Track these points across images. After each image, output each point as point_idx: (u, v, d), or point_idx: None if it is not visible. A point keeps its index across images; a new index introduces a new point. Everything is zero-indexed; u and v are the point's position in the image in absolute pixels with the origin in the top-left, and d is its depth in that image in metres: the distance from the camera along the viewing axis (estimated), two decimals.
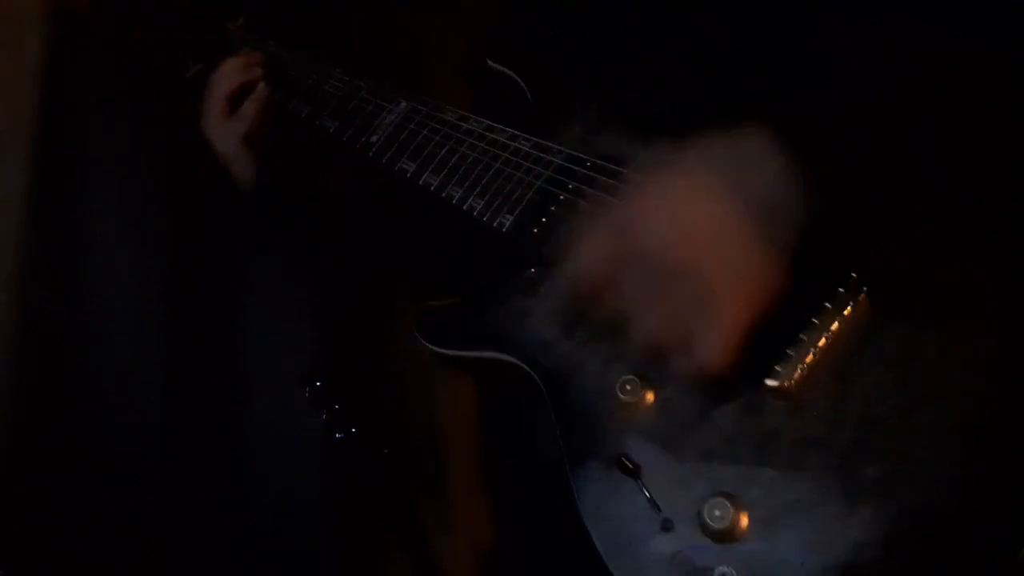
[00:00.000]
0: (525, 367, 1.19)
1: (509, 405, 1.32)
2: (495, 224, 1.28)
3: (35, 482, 1.95)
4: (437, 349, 1.28)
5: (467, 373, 1.33)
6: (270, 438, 2.03)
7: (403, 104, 1.44)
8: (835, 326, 1.05)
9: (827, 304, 1.05)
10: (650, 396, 1.11)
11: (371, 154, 1.42)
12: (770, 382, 1.05)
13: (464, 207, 1.31)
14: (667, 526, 1.05)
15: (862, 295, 1.05)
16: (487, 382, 1.38)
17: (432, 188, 1.35)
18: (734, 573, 1.00)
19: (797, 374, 1.04)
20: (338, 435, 1.51)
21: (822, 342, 1.05)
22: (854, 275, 1.05)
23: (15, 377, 1.95)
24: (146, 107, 1.94)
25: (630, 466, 1.08)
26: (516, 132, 1.32)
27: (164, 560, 1.97)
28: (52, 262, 2.01)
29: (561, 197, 1.25)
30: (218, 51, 1.67)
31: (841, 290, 1.06)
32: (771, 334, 1.06)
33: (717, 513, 1.01)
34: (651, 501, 1.06)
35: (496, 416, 1.46)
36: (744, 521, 1.01)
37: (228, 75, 1.51)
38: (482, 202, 1.30)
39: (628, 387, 1.11)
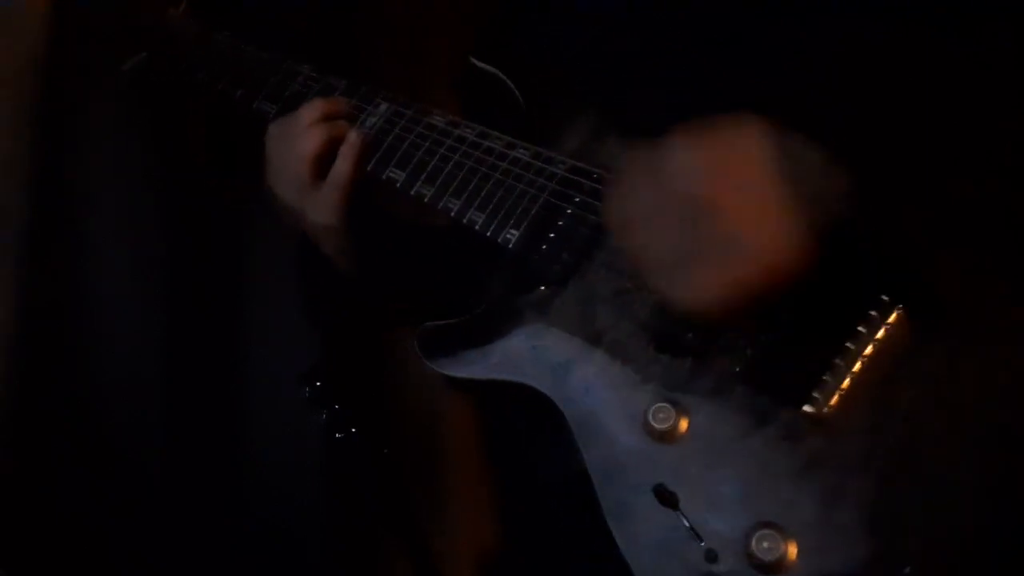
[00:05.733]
0: (546, 394, 1.16)
1: (510, 410, 1.29)
2: (500, 240, 1.23)
3: (35, 482, 1.94)
4: (444, 372, 1.23)
5: (471, 394, 1.29)
6: (270, 439, 2.04)
7: (383, 106, 1.35)
8: (870, 349, 1.05)
9: (860, 328, 1.05)
10: (684, 423, 1.09)
11: None
12: (807, 408, 1.04)
13: (464, 220, 1.25)
14: (711, 557, 1.04)
15: (896, 316, 1.05)
16: (492, 403, 1.33)
17: (426, 199, 1.28)
18: None
19: (834, 400, 1.04)
20: (338, 435, 1.47)
21: (858, 366, 1.05)
22: (886, 297, 1.05)
23: (15, 377, 1.94)
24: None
25: (668, 495, 1.07)
26: (513, 140, 1.26)
27: (164, 561, 1.97)
28: (52, 262, 1.98)
29: (569, 211, 1.20)
30: (158, 39, 1.55)
31: (874, 312, 1.06)
32: (806, 359, 1.06)
33: (766, 545, 1.01)
34: (692, 531, 1.06)
35: (497, 418, 1.42)
36: (793, 551, 1.02)
37: (309, 132, 1.27)
38: (483, 215, 1.24)
39: (661, 414, 1.09)
